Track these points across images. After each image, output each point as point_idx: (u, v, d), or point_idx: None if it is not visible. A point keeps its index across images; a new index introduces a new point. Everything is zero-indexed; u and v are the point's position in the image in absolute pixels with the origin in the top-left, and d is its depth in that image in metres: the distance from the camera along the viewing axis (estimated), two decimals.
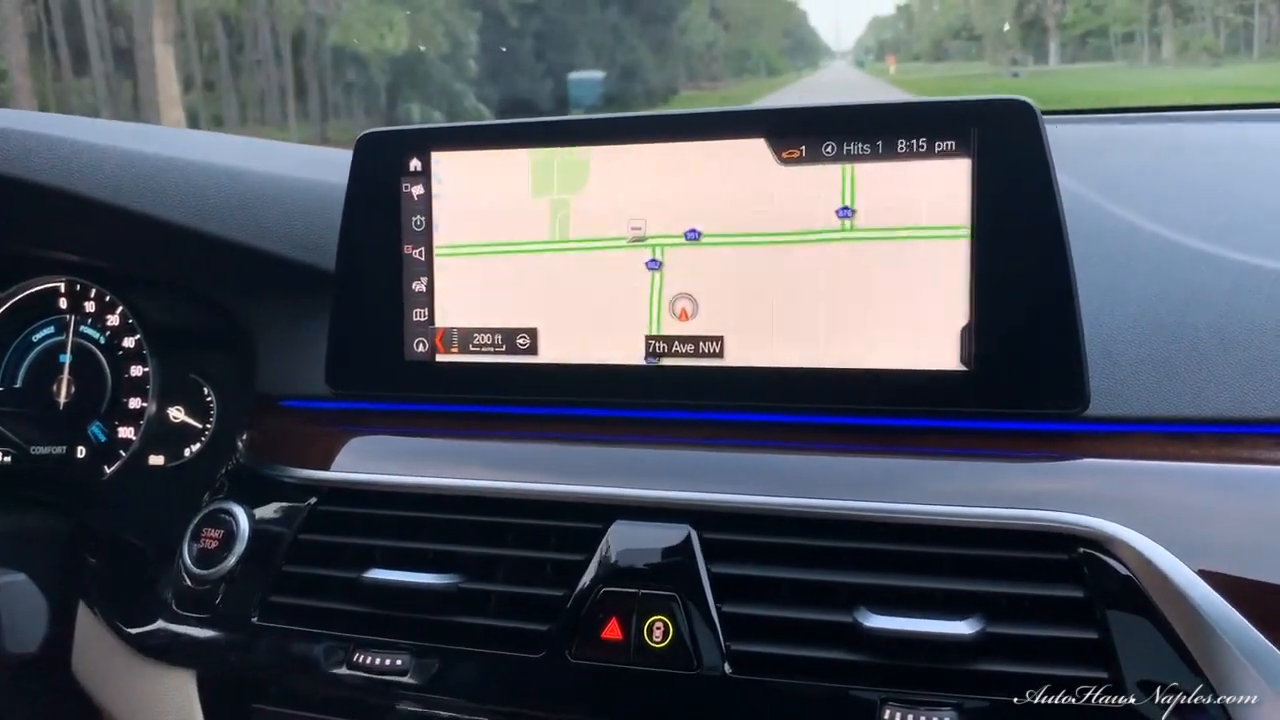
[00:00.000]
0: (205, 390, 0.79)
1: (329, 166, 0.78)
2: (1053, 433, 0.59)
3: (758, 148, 0.62)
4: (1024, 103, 0.58)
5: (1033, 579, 0.53)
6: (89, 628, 0.71)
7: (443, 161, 0.68)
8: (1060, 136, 0.63)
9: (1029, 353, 0.58)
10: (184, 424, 0.79)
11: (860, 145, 0.60)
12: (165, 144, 0.73)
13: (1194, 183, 0.77)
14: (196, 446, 0.79)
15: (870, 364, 0.60)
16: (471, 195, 0.67)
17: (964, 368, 0.59)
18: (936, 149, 0.59)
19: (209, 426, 0.79)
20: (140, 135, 0.74)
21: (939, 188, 0.59)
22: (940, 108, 0.59)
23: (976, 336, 0.58)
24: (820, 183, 0.61)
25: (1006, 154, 0.58)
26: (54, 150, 0.67)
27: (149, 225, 0.69)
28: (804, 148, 0.61)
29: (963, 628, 0.52)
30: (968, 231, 0.58)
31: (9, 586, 0.47)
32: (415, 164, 0.68)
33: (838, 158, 0.61)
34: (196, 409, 0.79)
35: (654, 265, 0.64)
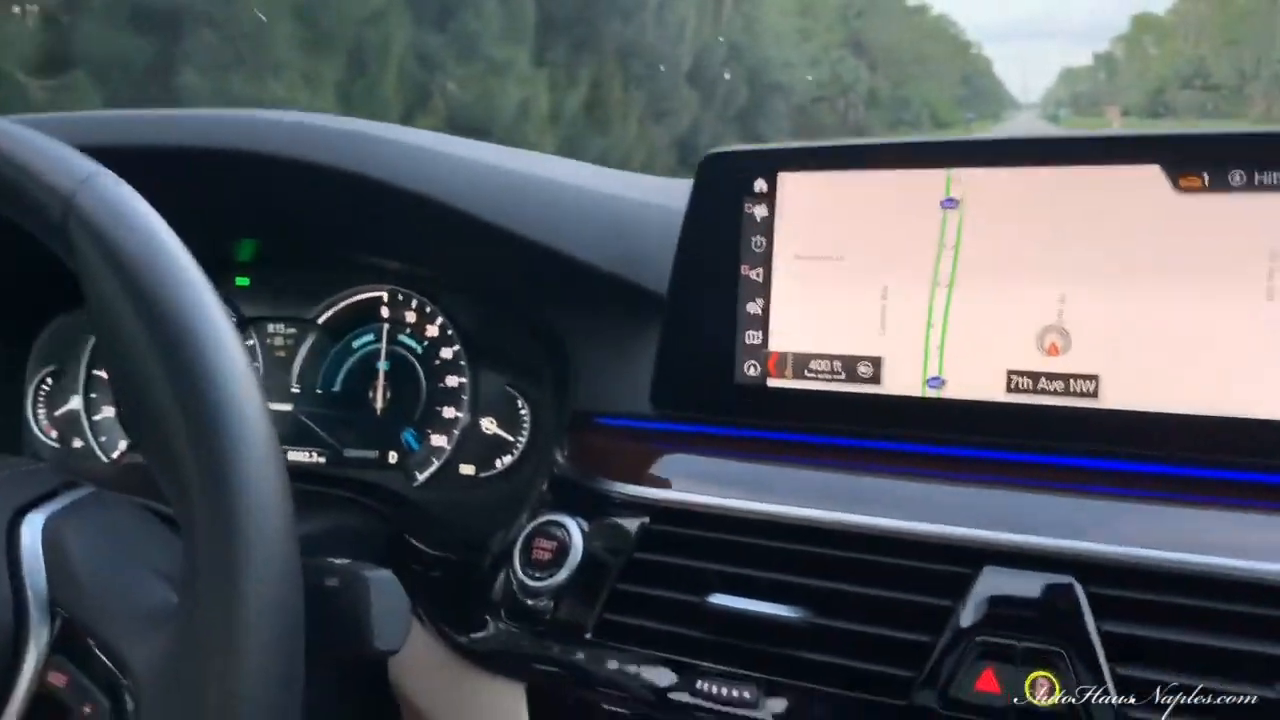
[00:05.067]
0: (520, 404, 0.80)
1: (664, 194, 0.78)
2: None
3: (1151, 174, 0.58)
4: None
5: None
6: (413, 635, 0.72)
7: (789, 183, 0.66)
8: None
9: None
10: (496, 435, 0.80)
11: (1278, 175, 0.55)
12: (508, 158, 0.75)
13: None
14: (508, 459, 0.79)
15: (1276, 414, 0.55)
16: (817, 218, 0.65)
17: None
18: None
19: (521, 440, 0.79)
20: (491, 151, 0.76)
21: None
22: None
23: None
24: (1225, 216, 0.56)
25: None
26: (414, 158, 0.70)
27: (497, 237, 0.70)
28: (1206, 175, 0.56)
29: None
30: None
31: (380, 582, 0.47)
32: (760, 185, 0.67)
33: (1248, 187, 0.56)
34: (509, 422, 0.80)
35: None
